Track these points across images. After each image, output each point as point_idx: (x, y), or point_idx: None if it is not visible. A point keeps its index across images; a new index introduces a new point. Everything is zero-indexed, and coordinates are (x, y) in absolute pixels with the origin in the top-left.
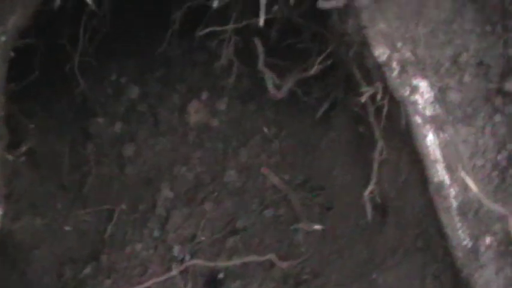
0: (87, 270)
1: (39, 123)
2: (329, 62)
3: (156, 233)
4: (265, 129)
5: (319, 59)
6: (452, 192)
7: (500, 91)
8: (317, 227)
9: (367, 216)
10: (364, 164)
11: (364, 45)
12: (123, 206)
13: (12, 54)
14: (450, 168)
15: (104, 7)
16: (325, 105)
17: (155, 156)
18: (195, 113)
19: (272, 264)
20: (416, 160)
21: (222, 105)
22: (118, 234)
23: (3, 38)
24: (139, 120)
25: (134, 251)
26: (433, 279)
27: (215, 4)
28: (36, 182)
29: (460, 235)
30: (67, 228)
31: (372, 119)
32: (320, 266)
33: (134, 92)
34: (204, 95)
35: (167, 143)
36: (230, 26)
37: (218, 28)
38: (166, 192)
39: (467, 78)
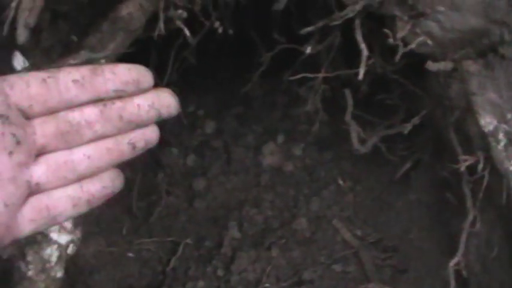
0: None
1: None
2: (417, 122)
3: (220, 272)
4: (340, 181)
5: (414, 120)
6: None
7: None
8: None
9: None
10: (444, 231)
11: (469, 112)
12: (189, 240)
13: None
14: None
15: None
16: (407, 165)
17: (226, 193)
18: (270, 155)
19: None
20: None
21: (297, 151)
22: (181, 268)
23: (102, 62)
24: (212, 156)
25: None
26: None
27: (308, 50)
28: (104, 205)
29: None
30: (130, 254)
31: (466, 188)
32: None
33: (210, 126)
34: (281, 138)
35: (239, 182)
36: (321, 75)
37: (310, 75)
38: (234, 232)
39: None
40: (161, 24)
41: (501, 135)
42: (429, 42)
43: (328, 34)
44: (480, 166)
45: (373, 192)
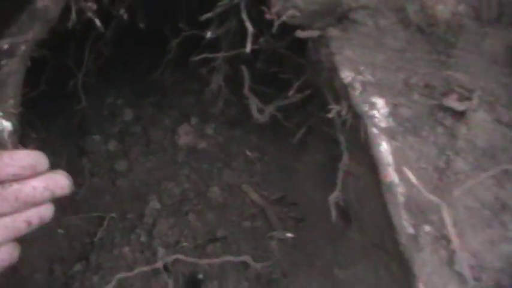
0: (77, 267)
1: (38, 136)
2: (308, 92)
3: (142, 238)
4: (249, 153)
5: (297, 84)
6: (400, 189)
7: (441, 107)
8: (289, 235)
9: (332, 218)
10: (334, 182)
11: (333, 69)
12: (113, 214)
13: (29, 63)
14: (399, 170)
15: (108, 32)
16: (302, 131)
17: (145, 172)
18: (185, 136)
19: (247, 266)
20: (373, 168)
21: (209, 130)
22: (107, 238)
23: (23, 47)
24: (132, 140)
25: (122, 253)
26: (385, 268)
27: (208, 35)
28: None
29: (404, 224)
30: (59, 231)
31: (339, 134)
32: (290, 267)
33: (129, 114)
34: (194, 120)
35: (157, 161)
36: (221, 54)
37: (210, 55)
38: (154, 204)
39: (416, 96)
40: (73, 15)
41: (357, 85)
42: (297, 14)
43: (227, 19)
44: (344, 111)
45: (277, 160)
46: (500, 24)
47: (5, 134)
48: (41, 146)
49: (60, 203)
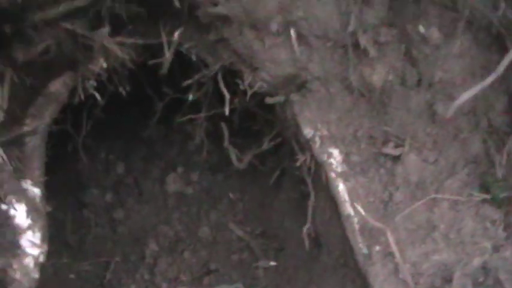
0: None
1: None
2: (278, 140)
3: (146, 276)
4: (231, 195)
5: (269, 137)
6: (355, 220)
7: (382, 153)
8: (272, 263)
9: (306, 246)
10: (306, 216)
11: (297, 126)
12: (118, 258)
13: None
14: (353, 205)
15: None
16: (277, 173)
17: (141, 219)
18: (173, 184)
19: None
20: (334, 204)
21: (195, 177)
22: (115, 279)
23: (43, 126)
24: (126, 191)
25: None
26: (350, 282)
27: (190, 97)
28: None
29: (360, 246)
30: (71, 276)
31: (306, 177)
32: None
33: (121, 167)
34: (180, 169)
35: (151, 208)
36: (202, 114)
37: (193, 116)
38: (153, 246)
39: (362, 146)
40: (81, 94)
41: (317, 139)
42: (264, 85)
43: (204, 84)
44: (308, 160)
45: (257, 199)
46: (421, 87)
47: (37, 199)
48: (47, 203)
49: (70, 251)
